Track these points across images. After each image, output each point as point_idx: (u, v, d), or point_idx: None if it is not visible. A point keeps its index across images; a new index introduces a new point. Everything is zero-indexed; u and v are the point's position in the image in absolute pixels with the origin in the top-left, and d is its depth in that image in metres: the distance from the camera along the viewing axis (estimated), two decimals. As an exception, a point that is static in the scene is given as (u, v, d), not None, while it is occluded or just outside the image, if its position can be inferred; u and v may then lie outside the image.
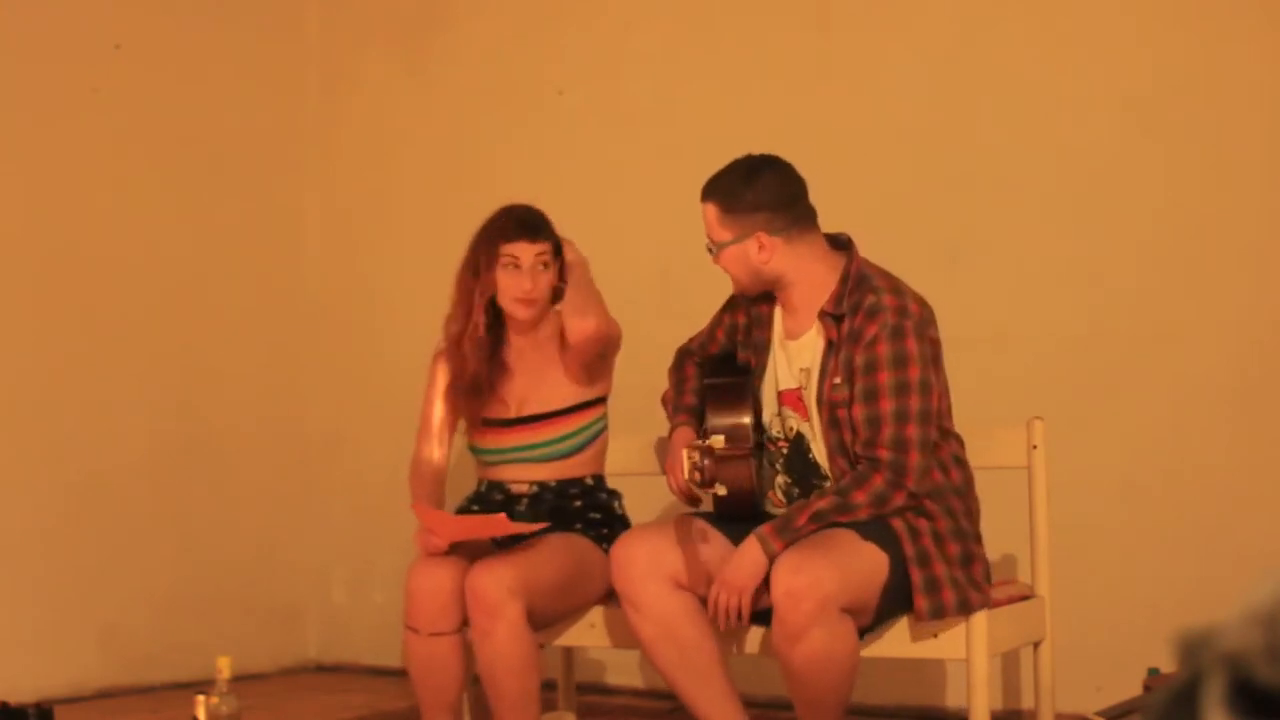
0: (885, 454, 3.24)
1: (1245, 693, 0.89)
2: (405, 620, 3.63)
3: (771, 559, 3.19)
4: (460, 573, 3.58)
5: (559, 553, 3.63)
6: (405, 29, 5.55)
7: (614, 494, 3.89)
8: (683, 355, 3.78)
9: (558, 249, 3.77)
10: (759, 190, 3.39)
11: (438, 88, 5.47)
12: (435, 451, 3.88)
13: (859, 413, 3.28)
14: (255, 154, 5.53)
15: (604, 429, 3.87)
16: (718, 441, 3.22)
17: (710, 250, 3.46)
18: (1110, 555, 4.22)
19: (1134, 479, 4.22)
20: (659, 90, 5.00)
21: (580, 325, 3.67)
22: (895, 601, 3.29)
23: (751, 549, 3.23)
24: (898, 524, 3.28)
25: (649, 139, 5.00)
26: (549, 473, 3.81)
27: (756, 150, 3.43)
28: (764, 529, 3.24)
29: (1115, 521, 4.23)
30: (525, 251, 3.71)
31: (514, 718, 3.55)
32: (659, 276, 4.91)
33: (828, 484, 3.34)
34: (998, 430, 3.71)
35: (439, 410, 3.89)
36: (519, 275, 3.71)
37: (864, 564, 3.21)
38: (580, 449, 3.83)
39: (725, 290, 3.70)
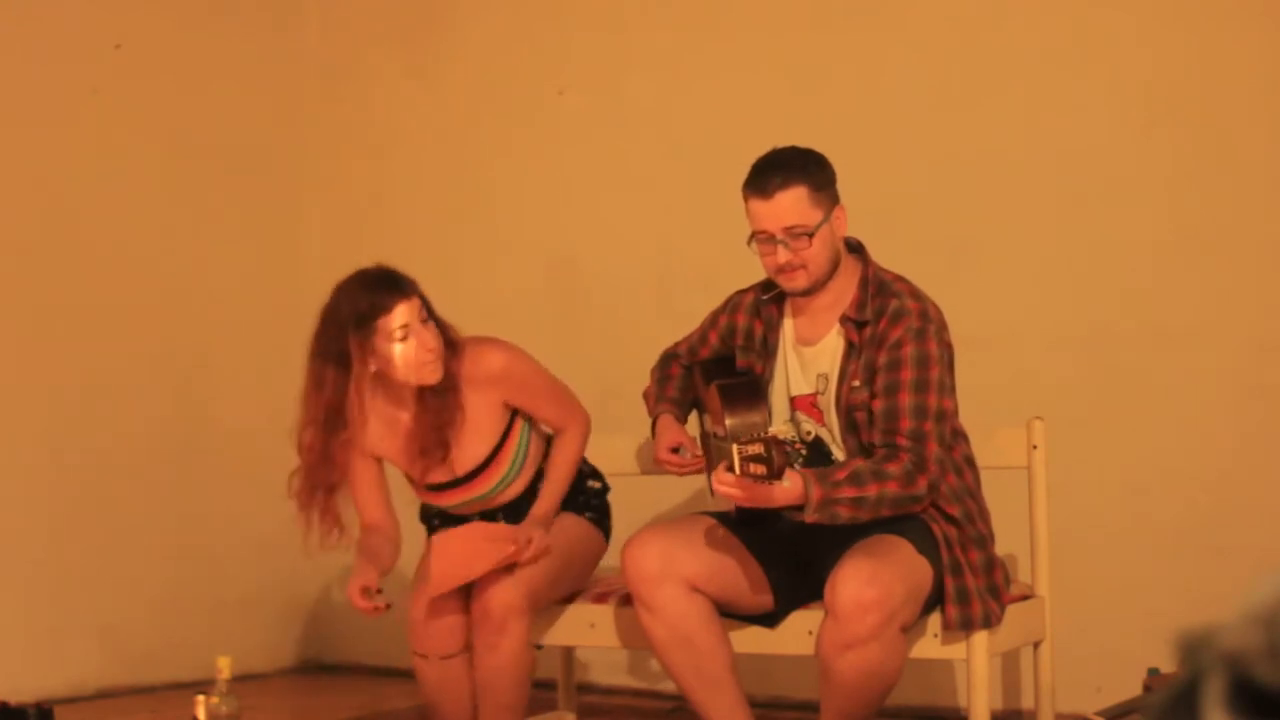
0: (904, 442, 3.23)
1: (1245, 693, 0.89)
2: (412, 647, 3.58)
3: (803, 503, 3.09)
4: (460, 596, 3.54)
5: (555, 543, 3.62)
6: (405, 29, 5.55)
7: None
8: (668, 357, 3.77)
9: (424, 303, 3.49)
10: (826, 162, 3.37)
11: (438, 88, 5.47)
12: (387, 523, 3.70)
13: (878, 406, 3.27)
14: (255, 154, 5.53)
15: (530, 429, 3.71)
16: (782, 430, 3.14)
17: (776, 242, 3.29)
18: (1110, 555, 4.22)
19: (1134, 479, 4.22)
20: (659, 91, 5.00)
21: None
22: (924, 607, 3.30)
23: (796, 483, 3.09)
24: (937, 531, 3.28)
25: (649, 140, 5.00)
26: (508, 495, 3.74)
27: (753, 150, 3.43)
28: (807, 473, 3.14)
29: (1115, 522, 4.23)
30: (407, 314, 3.40)
31: None
32: (658, 277, 4.91)
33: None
34: (998, 430, 3.71)
35: (371, 497, 3.69)
36: (412, 340, 3.41)
37: (922, 579, 3.24)
38: (523, 465, 3.72)
39: (724, 290, 3.70)
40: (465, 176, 5.35)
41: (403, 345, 3.42)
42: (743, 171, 3.39)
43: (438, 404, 3.51)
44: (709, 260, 4.66)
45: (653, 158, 4.99)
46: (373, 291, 3.42)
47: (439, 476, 3.66)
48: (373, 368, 3.46)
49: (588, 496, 3.81)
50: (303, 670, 5.54)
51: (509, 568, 3.52)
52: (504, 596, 3.47)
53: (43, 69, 4.98)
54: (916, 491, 3.22)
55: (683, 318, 3.89)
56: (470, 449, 3.63)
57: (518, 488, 3.73)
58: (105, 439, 5.06)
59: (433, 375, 3.47)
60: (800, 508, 3.13)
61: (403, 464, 3.69)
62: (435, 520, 3.83)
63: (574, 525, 3.72)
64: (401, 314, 3.40)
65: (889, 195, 4.44)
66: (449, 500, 3.73)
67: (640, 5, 5.08)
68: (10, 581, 4.81)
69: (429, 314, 3.48)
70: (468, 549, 3.52)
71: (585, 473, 3.83)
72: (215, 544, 5.31)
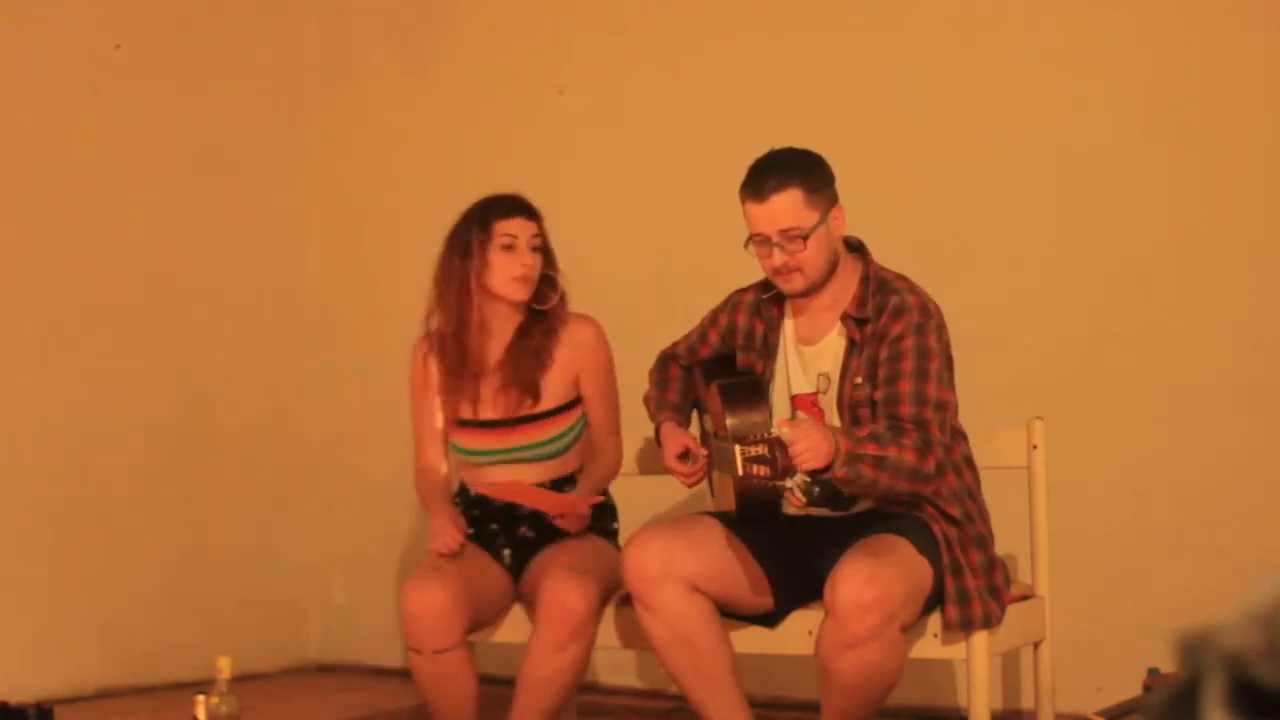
0: (907, 424, 3.23)
1: (1245, 693, 0.89)
2: (406, 642, 3.57)
3: (833, 459, 3.08)
4: (456, 587, 3.54)
5: (601, 562, 3.65)
6: (405, 29, 5.55)
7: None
8: (666, 358, 3.76)
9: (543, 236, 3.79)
10: (823, 163, 3.37)
11: (438, 88, 5.47)
12: (439, 456, 3.86)
13: (879, 396, 3.28)
14: (255, 154, 5.53)
15: (584, 424, 3.85)
16: (785, 432, 3.12)
17: (772, 245, 3.31)
18: (1110, 555, 4.23)
19: (1134, 479, 4.22)
20: (659, 90, 5.00)
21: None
22: (924, 607, 3.30)
23: (825, 432, 3.09)
24: (937, 531, 3.29)
25: (649, 139, 5.00)
26: (541, 473, 3.78)
27: (753, 150, 3.43)
28: (834, 427, 3.18)
29: (1115, 521, 4.23)
30: (522, 230, 3.70)
31: None
32: (658, 277, 4.91)
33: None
34: (998, 430, 3.71)
35: (430, 411, 3.85)
36: (515, 254, 3.69)
37: (922, 579, 3.24)
38: (570, 447, 3.81)
39: (724, 290, 3.70)
40: (465, 176, 5.34)
41: (506, 253, 3.68)
42: (743, 171, 3.39)
43: (538, 343, 3.74)
44: (709, 260, 4.66)
45: (653, 158, 4.99)
46: (502, 200, 3.75)
47: (489, 412, 3.76)
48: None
49: (614, 537, 3.84)
50: (303, 670, 5.54)
51: (577, 564, 3.56)
52: (586, 598, 3.47)
53: (43, 69, 4.98)
54: (927, 468, 3.20)
55: (683, 318, 3.89)
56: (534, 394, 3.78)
57: (556, 467, 3.79)
58: (105, 439, 5.05)
59: (520, 293, 3.71)
60: (826, 467, 3.10)
61: (481, 393, 3.77)
62: (475, 511, 3.83)
63: (608, 548, 3.76)
64: (516, 225, 3.70)
65: (889, 195, 4.44)
66: (494, 442, 3.76)
67: (640, 5, 5.08)
68: (10, 581, 4.81)
69: (543, 248, 3.74)
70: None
71: (609, 506, 3.88)
72: (215, 544, 5.31)
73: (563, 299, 3.80)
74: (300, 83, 5.66)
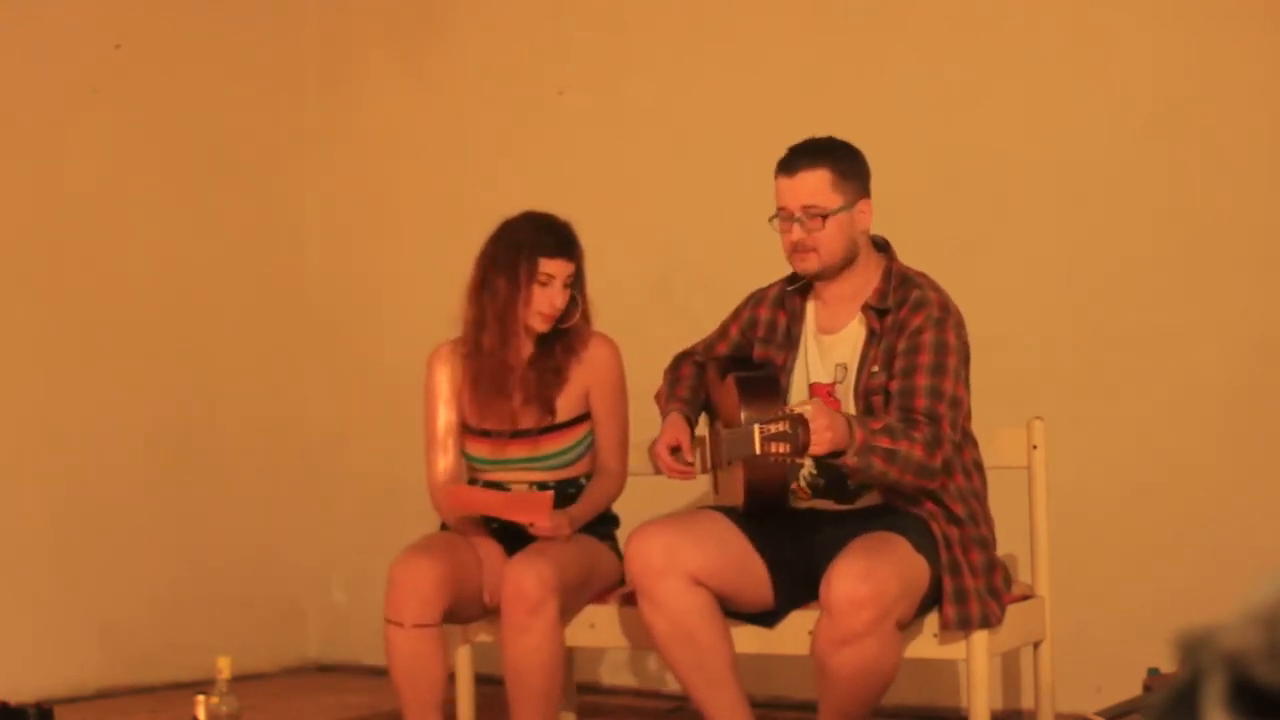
0: (920, 418, 3.24)
1: (1245, 693, 0.89)
2: (386, 613, 3.59)
3: (844, 447, 3.10)
4: (444, 566, 3.59)
5: (580, 551, 3.67)
6: (405, 29, 5.55)
7: None
8: (681, 357, 3.78)
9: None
10: (860, 156, 3.43)
11: (438, 88, 5.47)
12: (450, 462, 3.87)
13: (894, 386, 3.29)
14: (255, 154, 5.53)
15: (592, 440, 3.88)
16: (807, 409, 3.09)
17: (793, 220, 3.35)
18: (1110, 555, 4.23)
19: (1134, 479, 4.22)
20: (660, 91, 5.00)
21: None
22: (922, 606, 3.30)
23: (839, 423, 3.11)
24: (936, 530, 3.29)
25: (650, 140, 5.00)
26: (548, 475, 3.82)
27: (753, 149, 3.43)
28: (850, 415, 3.18)
29: (1115, 521, 4.23)
30: (561, 270, 3.73)
31: (535, 717, 3.54)
32: (660, 278, 4.91)
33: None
34: (998, 430, 3.71)
35: (444, 417, 3.87)
36: (549, 292, 3.73)
37: (918, 577, 3.24)
38: (581, 457, 3.85)
39: (724, 290, 3.70)
40: (465, 177, 5.35)
41: (540, 288, 3.74)
42: (743, 171, 3.41)
43: (559, 361, 3.81)
44: (709, 260, 4.66)
45: (653, 158, 4.99)
46: (553, 233, 3.78)
47: (502, 423, 3.80)
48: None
49: (613, 542, 3.87)
50: (303, 670, 5.54)
51: (537, 549, 3.57)
52: (538, 578, 3.49)
53: (43, 69, 4.98)
54: (934, 464, 3.21)
55: (683, 318, 3.90)
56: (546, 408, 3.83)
57: (564, 471, 3.82)
58: (104, 438, 5.05)
59: (542, 326, 3.78)
60: (839, 454, 3.11)
61: (505, 405, 3.81)
62: (493, 524, 3.85)
63: (599, 547, 3.78)
64: (556, 265, 3.74)
65: (889, 195, 4.41)
66: (506, 452, 3.80)
67: (640, 5, 5.08)
68: (10, 581, 4.81)
69: (573, 285, 3.78)
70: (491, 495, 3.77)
71: (611, 517, 3.91)
72: (215, 544, 5.31)
73: (584, 317, 3.83)
74: (300, 83, 5.66)
